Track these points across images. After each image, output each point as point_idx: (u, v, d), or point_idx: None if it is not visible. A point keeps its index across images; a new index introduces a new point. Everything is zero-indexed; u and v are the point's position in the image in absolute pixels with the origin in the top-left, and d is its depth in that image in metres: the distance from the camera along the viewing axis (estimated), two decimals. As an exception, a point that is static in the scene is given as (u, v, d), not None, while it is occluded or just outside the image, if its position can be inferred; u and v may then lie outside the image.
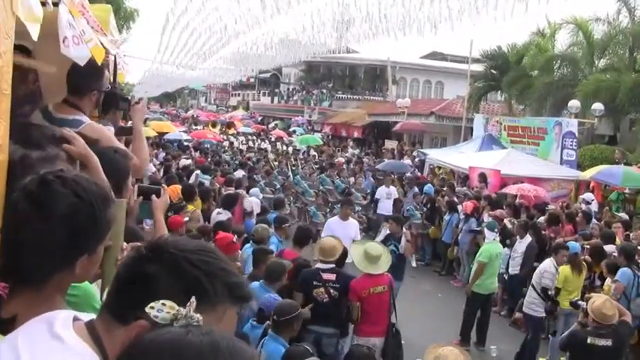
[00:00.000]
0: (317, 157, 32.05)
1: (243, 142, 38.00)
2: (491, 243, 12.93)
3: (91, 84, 3.98)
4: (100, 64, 3.96)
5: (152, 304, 1.46)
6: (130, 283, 1.59)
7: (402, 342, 9.09)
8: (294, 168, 25.57)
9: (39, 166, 2.16)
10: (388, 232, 12.83)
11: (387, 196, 20.04)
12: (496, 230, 13.21)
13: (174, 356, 1.35)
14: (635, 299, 10.50)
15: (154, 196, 3.71)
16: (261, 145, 36.71)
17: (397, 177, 23.13)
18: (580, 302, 8.58)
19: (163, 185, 4.22)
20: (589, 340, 7.59)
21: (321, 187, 21.97)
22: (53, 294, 1.90)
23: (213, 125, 41.69)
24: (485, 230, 13.48)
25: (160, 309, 1.45)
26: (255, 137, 41.64)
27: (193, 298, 1.47)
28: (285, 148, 35.52)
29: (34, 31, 2.37)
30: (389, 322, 8.81)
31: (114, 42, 5.02)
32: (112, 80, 5.53)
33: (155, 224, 3.73)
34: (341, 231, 11.32)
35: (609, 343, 7.56)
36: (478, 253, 13.06)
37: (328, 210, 19.72)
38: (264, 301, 7.24)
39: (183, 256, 1.57)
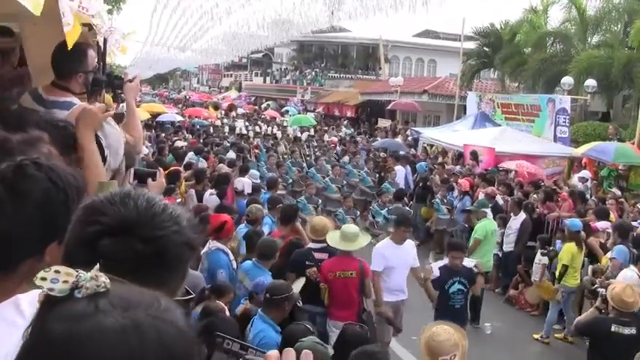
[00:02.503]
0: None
1: (248, 126, 31.64)
2: (486, 220, 12.94)
3: (74, 66, 3.91)
4: (82, 46, 3.90)
5: (42, 273, 1.14)
6: None
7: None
8: (307, 158, 23.12)
9: (20, 149, 2.12)
10: (444, 263, 9.63)
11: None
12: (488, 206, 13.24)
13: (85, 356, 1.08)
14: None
15: (149, 179, 3.67)
16: (268, 129, 30.77)
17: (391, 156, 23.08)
18: (599, 289, 8.31)
19: (159, 168, 4.17)
20: (613, 329, 7.21)
21: (344, 181, 19.76)
22: (21, 282, 1.86)
23: (215, 108, 40.12)
24: (482, 208, 13.51)
25: (55, 278, 1.13)
26: (260, 120, 36.58)
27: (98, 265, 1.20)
28: (297, 134, 29.47)
29: (37, 8, 2.31)
30: (359, 309, 8.58)
31: (100, 26, 4.94)
32: (101, 63, 5.46)
33: None
34: (397, 258, 9.31)
35: (633, 331, 7.19)
36: (474, 231, 13.08)
37: (359, 213, 16.57)
38: (256, 282, 7.19)
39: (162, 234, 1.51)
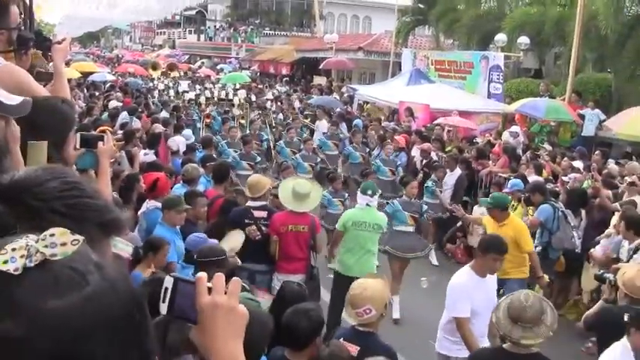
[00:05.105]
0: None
1: (200, 89, 26.63)
2: (358, 209, 9.63)
3: None
4: (2, 2, 3.70)
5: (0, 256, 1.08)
6: None
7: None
8: (274, 129, 20.27)
9: None
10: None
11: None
12: (370, 193, 9.47)
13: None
14: (556, 233, 10.72)
15: (99, 144, 3.47)
16: (222, 93, 24.85)
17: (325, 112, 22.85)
18: (606, 274, 7.39)
19: (107, 129, 3.99)
20: (626, 319, 6.06)
21: (320, 156, 16.66)
22: None
23: (154, 68, 37.05)
24: (358, 194, 9.88)
25: (13, 257, 1.08)
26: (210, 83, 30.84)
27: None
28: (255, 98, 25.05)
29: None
30: (308, 263, 8.64)
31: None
32: (28, 20, 5.24)
33: (100, 173, 3.51)
34: (482, 298, 6.71)
35: None
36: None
37: (347, 195, 13.04)
38: (189, 241, 7.09)
39: (47, 207, 1.33)
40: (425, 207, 11.36)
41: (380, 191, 12.32)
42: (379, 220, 9.43)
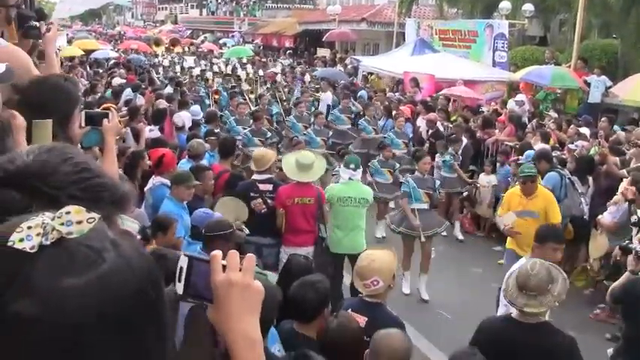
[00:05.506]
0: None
1: (205, 65, 27.27)
2: (342, 184, 9.36)
3: None
4: None
5: (15, 235, 1.06)
6: None
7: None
8: (285, 102, 19.74)
9: None
10: None
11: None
12: (352, 167, 9.21)
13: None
14: (564, 200, 10.69)
15: (104, 121, 3.44)
16: (228, 68, 25.40)
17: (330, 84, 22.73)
18: (631, 244, 7.16)
19: (111, 107, 3.95)
20: None
21: (330, 132, 16.15)
22: None
23: (157, 44, 37.15)
24: (342, 167, 9.70)
25: (29, 235, 1.06)
26: (215, 58, 31.55)
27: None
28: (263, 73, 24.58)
29: None
30: (316, 236, 8.66)
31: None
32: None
33: (106, 150, 3.51)
34: None
35: None
36: None
37: (399, 165, 13.02)
38: (195, 217, 7.08)
39: (64, 194, 1.29)
40: (438, 182, 11.10)
41: (398, 164, 12.77)
42: (365, 193, 9.25)
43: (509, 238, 8.99)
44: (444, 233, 11.69)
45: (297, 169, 8.53)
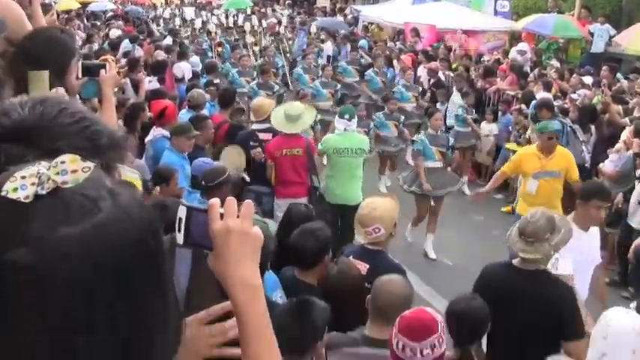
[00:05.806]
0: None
1: (208, 16, 26.60)
2: (337, 135, 9.11)
3: None
4: None
5: (9, 184, 1.04)
6: None
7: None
8: (288, 55, 19.74)
9: None
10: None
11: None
12: (347, 117, 8.97)
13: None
14: (566, 148, 10.62)
15: (102, 72, 3.41)
16: (229, 20, 25.13)
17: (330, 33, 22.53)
18: None
19: (109, 58, 3.89)
20: None
21: (337, 85, 15.37)
22: None
23: None
24: (336, 118, 9.38)
25: (24, 185, 1.04)
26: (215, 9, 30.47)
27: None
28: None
29: None
30: (309, 186, 8.51)
31: None
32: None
33: (104, 101, 3.50)
34: (583, 247, 5.81)
35: None
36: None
37: (403, 118, 12.93)
38: (195, 167, 7.10)
39: (67, 145, 1.25)
40: (452, 140, 10.83)
41: (403, 117, 12.71)
42: (361, 143, 9.03)
43: (520, 203, 8.54)
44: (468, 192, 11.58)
45: (286, 120, 8.37)
